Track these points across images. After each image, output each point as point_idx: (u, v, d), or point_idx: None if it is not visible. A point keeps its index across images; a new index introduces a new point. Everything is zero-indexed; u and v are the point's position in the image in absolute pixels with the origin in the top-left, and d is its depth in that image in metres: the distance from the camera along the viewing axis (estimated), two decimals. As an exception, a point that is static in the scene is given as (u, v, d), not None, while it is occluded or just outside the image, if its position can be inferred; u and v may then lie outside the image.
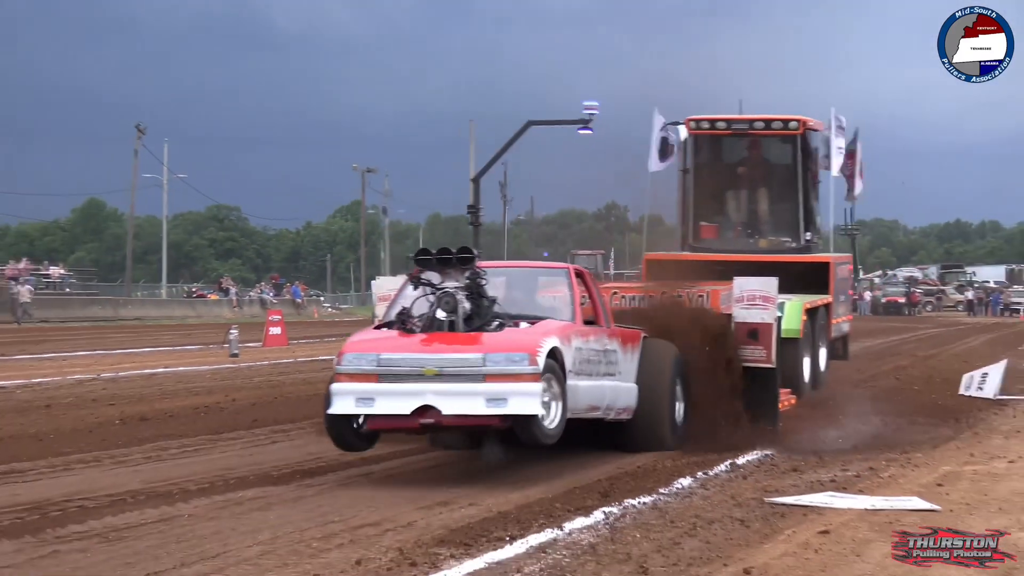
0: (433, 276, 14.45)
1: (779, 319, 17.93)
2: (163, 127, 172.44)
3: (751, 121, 24.10)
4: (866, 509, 12.37)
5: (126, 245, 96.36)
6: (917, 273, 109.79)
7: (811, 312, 21.57)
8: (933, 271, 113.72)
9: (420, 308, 14.39)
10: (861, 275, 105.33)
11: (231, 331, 36.44)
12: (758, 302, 17.52)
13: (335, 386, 13.65)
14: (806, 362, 21.59)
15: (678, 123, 24.49)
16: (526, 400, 13.35)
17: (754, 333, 17.52)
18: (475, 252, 14.37)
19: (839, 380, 26.56)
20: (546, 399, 13.63)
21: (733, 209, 24.65)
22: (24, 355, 34.60)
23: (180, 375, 28.35)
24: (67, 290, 79.80)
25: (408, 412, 13.39)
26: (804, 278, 21.96)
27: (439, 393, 13.38)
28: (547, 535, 11.10)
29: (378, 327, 14.73)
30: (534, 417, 13.39)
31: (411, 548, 10.49)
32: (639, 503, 12.64)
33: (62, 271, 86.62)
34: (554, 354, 13.78)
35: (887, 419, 19.78)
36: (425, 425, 13.53)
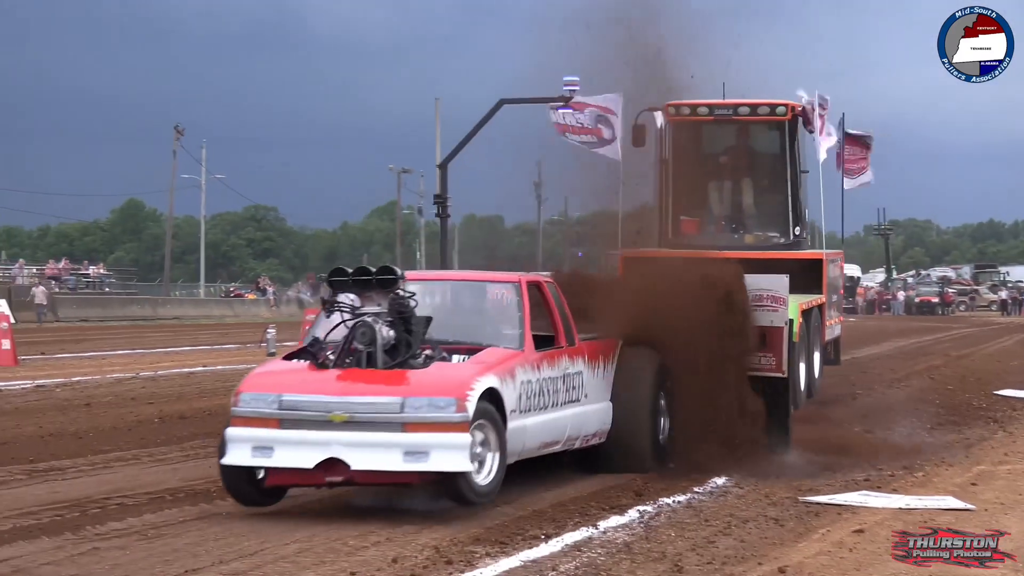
0: (356, 299, 12.42)
1: (791, 322, 16.04)
2: (201, 128, 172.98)
3: (736, 106, 21.84)
4: (900, 508, 12.33)
5: (165, 245, 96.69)
6: (950, 273, 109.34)
7: (805, 313, 19.76)
8: (966, 271, 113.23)
9: (339, 336, 12.39)
10: (895, 275, 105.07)
11: (268, 330, 36.53)
12: (767, 302, 15.56)
13: (230, 431, 11.78)
14: (801, 368, 19.65)
15: (656, 108, 21.94)
16: (451, 454, 11.41)
17: (761, 338, 15.55)
18: (399, 272, 12.39)
19: (871, 381, 26.51)
20: (478, 450, 11.73)
21: (716, 202, 22.30)
22: (64, 353, 34.74)
23: (218, 374, 28.40)
24: (106, 289, 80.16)
25: (311, 466, 11.51)
26: (794, 276, 18.27)
27: (348, 444, 11.45)
28: (582, 533, 11.10)
29: (288, 357, 12.73)
30: (461, 475, 11.51)
31: (447, 546, 10.49)
32: (673, 502, 12.61)
33: (101, 271, 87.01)
34: (490, 395, 11.89)
35: (920, 418, 19.70)
36: (332, 482, 11.70)
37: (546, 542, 10.75)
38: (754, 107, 21.74)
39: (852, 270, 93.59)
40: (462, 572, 9.70)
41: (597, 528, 11.32)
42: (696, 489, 13.34)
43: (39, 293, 61.46)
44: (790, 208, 21.75)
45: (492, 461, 11.90)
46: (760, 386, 15.43)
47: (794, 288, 17.14)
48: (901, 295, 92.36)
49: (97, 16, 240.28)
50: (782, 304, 15.67)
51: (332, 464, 11.46)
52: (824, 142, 22.67)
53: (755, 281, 15.84)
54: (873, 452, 16.06)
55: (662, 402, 14.83)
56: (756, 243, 21.73)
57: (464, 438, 11.45)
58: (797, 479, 14.03)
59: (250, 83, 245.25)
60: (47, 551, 10.43)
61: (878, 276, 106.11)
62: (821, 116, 22.28)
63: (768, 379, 15.55)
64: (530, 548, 10.50)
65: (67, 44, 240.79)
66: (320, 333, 12.62)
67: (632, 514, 11.97)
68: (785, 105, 21.59)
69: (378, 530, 11.11)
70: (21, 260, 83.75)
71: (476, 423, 11.64)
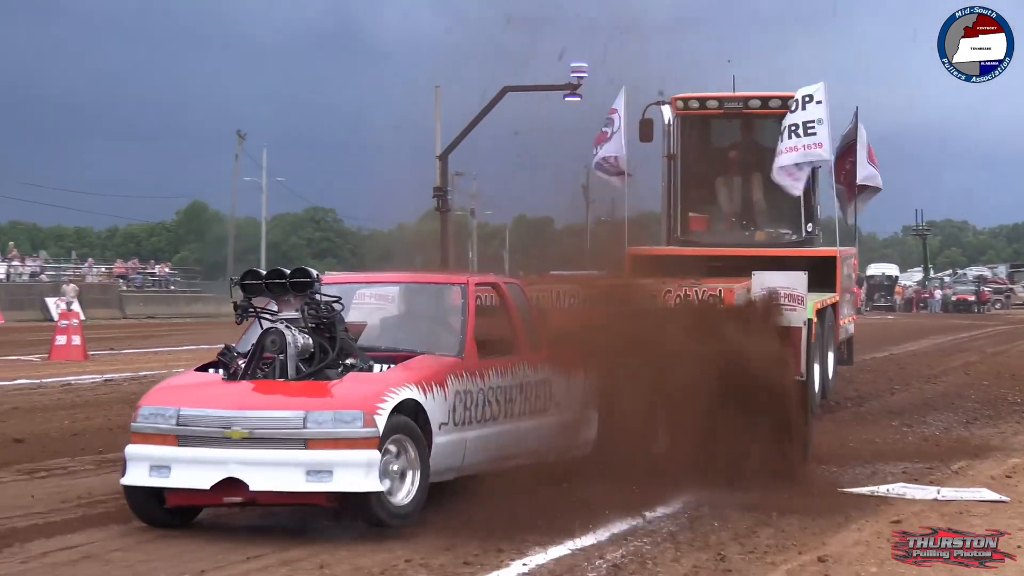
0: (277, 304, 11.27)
1: (810, 322, 14.93)
2: (263, 133, 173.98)
3: (745, 99, 20.87)
4: (937, 500, 12.27)
5: (228, 245, 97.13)
6: (986, 272, 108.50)
7: (820, 313, 18.55)
8: (1002, 270, 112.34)
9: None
10: (932, 274, 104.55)
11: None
12: (784, 302, 14.44)
13: (129, 449, 10.68)
14: (816, 369, 18.29)
15: (663, 102, 21.11)
16: (357, 473, 10.18)
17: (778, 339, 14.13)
18: (314, 275, 11.15)
19: (908, 376, 26.39)
20: (394, 467, 10.54)
21: (725, 198, 21.28)
22: (132, 349, 34.94)
23: (278, 369, 28.43)
24: (172, 288, 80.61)
25: (208, 487, 10.35)
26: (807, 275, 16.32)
27: (246, 462, 10.26)
28: (628, 524, 11.09)
29: (202, 368, 11.60)
30: (374, 495, 10.29)
31: (499, 535, 10.49)
32: (717, 494, 12.54)
33: (167, 270, 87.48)
34: (408, 407, 10.65)
35: (957, 413, 19.61)
36: (233, 503, 10.61)
37: (594, 531, 10.75)
38: (765, 100, 20.75)
39: (890, 269, 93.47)
40: (513, 560, 9.72)
41: (643, 518, 11.30)
42: (739, 481, 13.25)
43: (69, 290, 57.60)
44: (802, 204, 20.76)
45: (411, 480, 10.68)
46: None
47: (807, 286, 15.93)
48: (938, 293, 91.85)
49: (164, 26, 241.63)
50: (800, 303, 14.52)
51: (230, 484, 10.31)
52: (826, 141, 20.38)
53: (770, 278, 14.80)
54: (910, 446, 16.01)
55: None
56: (767, 240, 20.78)
57: (371, 455, 10.22)
58: (835, 473, 13.99)
59: (310, 89, 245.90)
60: (116, 538, 10.50)
61: (915, 275, 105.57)
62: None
63: None
64: (579, 537, 10.51)
65: (134, 51, 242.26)
66: (244, 342, 11.50)
67: (676, 505, 11.95)
68: (795, 98, 20.39)
69: (432, 520, 11.08)
70: (90, 259, 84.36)
71: (391, 438, 10.43)
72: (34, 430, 17.04)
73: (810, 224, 20.95)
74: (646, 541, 10.43)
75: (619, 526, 10.99)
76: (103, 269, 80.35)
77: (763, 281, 14.75)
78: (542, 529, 10.72)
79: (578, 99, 36.43)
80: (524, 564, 9.63)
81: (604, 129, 21.66)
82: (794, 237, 20.90)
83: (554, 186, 22.02)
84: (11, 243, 79.73)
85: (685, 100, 20.92)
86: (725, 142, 21.65)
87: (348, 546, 10.15)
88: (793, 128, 20.03)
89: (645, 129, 21.19)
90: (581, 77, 35.97)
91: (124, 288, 71.14)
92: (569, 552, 10.01)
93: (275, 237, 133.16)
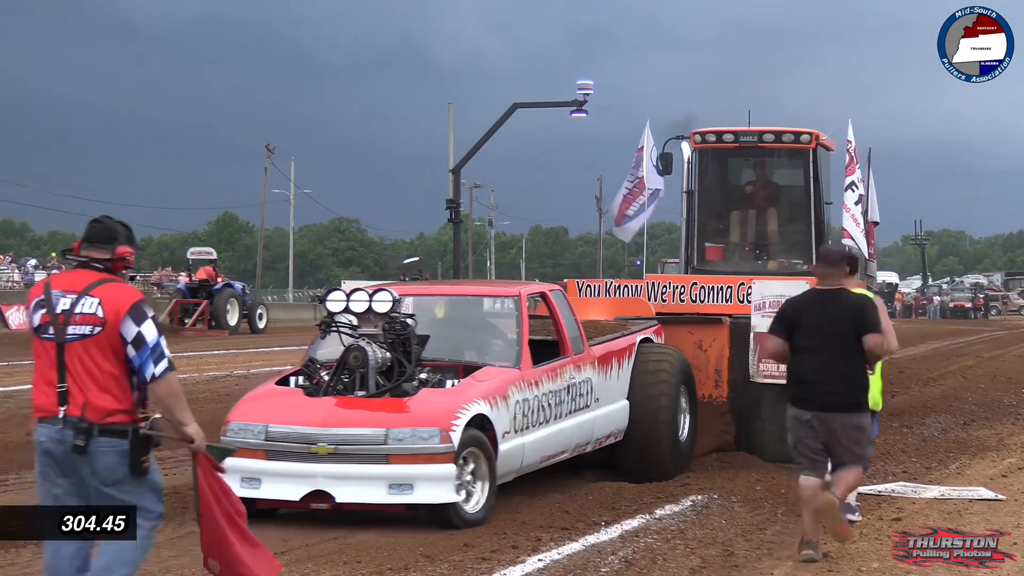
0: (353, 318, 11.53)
1: None
2: (291, 146, 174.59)
3: (760, 134, 20.45)
4: (936, 498, 12.22)
5: (257, 254, 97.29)
6: (983, 280, 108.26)
7: None
8: (998, 278, 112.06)
9: (334, 357, 11.50)
10: (930, 281, 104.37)
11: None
12: None
13: None
14: None
15: (683, 137, 20.93)
16: (436, 486, 10.46)
17: None
18: (394, 296, 11.49)
19: (908, 380, 26.29)
20: (467, 478, 10.77)
21: (740, 229, 21.07)
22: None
23: (305, 372, 28.41)
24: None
25: (297, 498, 10.64)
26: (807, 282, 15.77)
27: (333, 476, 10.52)
28: (639, 521, 11.07)
29: (281, 381, 11.80)
30: (450, 506, 10.57)
31: (514, 532, 10.47)
32: (724, 492, 12.52)
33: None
34: (479, 422, 10.88)
35: (954, 415, 19.53)
36: (321, 508, 10.75)
37: (606, 528, 10.74)
38: (778, 134, 20.41)
39: (890, 277, 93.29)
40: (528, 556, 9.69)
41: (653, 516, 11.27)
42: (745, 480, 13.24)
43: None
44: (813, 235, 20.33)
45: (481, 490, 10.87)
46: (776, 394, 14.04)
47: None
48: (936, 300, 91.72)
49: (209, 51, 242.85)
50: None
51: (318, 496, 10.59)
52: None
53: (770, 287, 14.75)
54: (910, 446, 15.94)
55: (683, 400, 13.78)
56: (779, 270, 20.39)
57: (449, 469, 10.46)
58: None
59: (334, 104, 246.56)
60: (170, 528, 10.46)
61: (915, 283, 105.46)
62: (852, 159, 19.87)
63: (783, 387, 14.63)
64: (591, 534, 10.49)
65: (170, 68, 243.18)
66: (319, 354, 11.77)
67: (686, 503, 11.93)
68: (809, 133, 20.22)
69: (451, 517, 11.07)
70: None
71: (464, 452, 10.64)
72: (71, 431, 17.01)
73: None
74: (656, 538, 10.39)
75: (631, 523, 10.97)
76: (138, 277, 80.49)
77: (763, 289, 14.72)
78: (556, 526, 10.71)
79: (585, 115, 36.10)
80: (539, 560, 9.61)
81: (632, 173, 21.33)
82: (805, 267, 20.18)
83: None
84: (53, 253, 79.92)
85: (703, 134, 20.70)
86: (741, 175, 21.49)
87: (372, 543, 10.14)
88: (854, 184, 19.71)
89: (665, 162, 21.10)
90: (588, 94, 35.57)
91: (158, 295, 71.20)
92: (582, 548, 9.98)
93: (302, 246, 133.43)
